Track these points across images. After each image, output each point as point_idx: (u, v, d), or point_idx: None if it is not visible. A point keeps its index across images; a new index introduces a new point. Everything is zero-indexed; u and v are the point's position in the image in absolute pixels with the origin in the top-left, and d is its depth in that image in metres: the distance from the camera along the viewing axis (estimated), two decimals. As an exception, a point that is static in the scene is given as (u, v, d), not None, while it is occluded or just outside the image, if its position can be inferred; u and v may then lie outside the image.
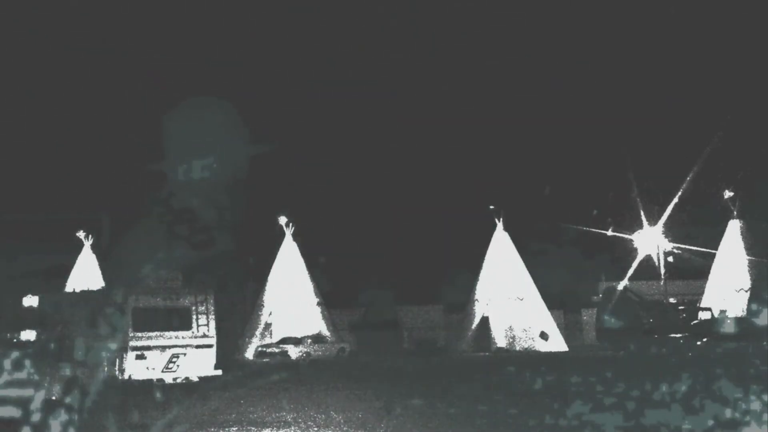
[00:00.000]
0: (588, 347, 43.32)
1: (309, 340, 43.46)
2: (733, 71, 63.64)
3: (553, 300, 46.40)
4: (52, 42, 65.55)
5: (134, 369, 24.24)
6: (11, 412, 15.72)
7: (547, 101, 70.94)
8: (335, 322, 47.17)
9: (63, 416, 15.41)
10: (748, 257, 43.77)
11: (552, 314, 45.64)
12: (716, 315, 37.33)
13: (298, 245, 48.11)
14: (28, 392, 16.79)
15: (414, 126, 74.07)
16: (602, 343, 38.16)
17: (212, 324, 25.58)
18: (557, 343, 44.22)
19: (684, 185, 41.33)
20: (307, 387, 23.09)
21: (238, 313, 48.32)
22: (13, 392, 16.82)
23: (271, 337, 45.42)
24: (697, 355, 30.81)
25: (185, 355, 24.93)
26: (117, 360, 24.02)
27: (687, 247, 44.07)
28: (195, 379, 25.02)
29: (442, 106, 75.99)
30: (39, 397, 16.69)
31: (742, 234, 44.65)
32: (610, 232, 44.01)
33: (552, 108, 70.53)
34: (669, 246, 43.49)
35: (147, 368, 24.42)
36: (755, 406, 14.75)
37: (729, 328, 33.84)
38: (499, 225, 46.33)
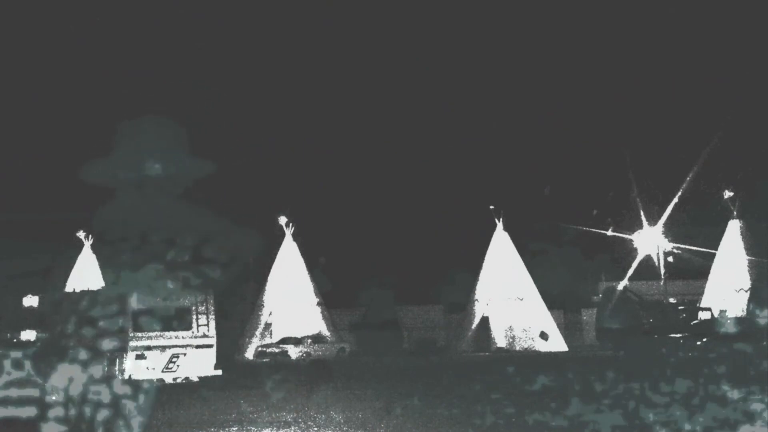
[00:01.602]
0: (588, 347, 43.32)
1: (309, 340, 43.47)
2: (733, 71, 63.66)
3: (553, 300, 46.40)
4: (52, 41, 65.55)
5: (134, 369, 24.26)
6: (11, 412, 15.72)
7: (547, 101, 70.97)
8: (335, 322, 47.16)
9: (64, 416, 15.42)
10: (748, 257, 43.75)
11: (552, 314, 45.64)
12: (716, 315, 37.30)
13: (298, 245, 48.10)
14: (28, 392, 16.81)
15: (414, 126, 74.10)
16: (602, 343, 38.13)
17: (212, 324, 25.58)
18: (557, 343, 44.23)
19: (684, 185, 41.34)
20: (307, 387, 23.08)
21: (238, 313, 48.33)
22: (14, 392, 16.83)
23: (271, 337, 45.41)
24: (697, 355, 30.80)
25: (185, 355, 24.94)
26: (117, 360, 24.05)
27: (687, 247, 44.05)
28: (195, 379, 25.03)
29: (443, 105, 76.02)
30: (39, 397, 16.71)
31: (742, 234, 44.62)
32: (610, 232, 44.01)
33: (552, 108, 70.55)
34: (669, 246, 43.45)
35: (147, 368, 24.44)
36: (755, 406, 14.76)
37: (729, 328, 33.79)
38: (499, 225, 46.33)
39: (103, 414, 15.00)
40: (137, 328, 24.55)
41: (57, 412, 15.00)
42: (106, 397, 16.35)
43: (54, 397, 16.95)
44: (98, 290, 26.82)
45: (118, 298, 24.51)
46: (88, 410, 15.21)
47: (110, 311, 24.16)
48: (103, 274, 48.72)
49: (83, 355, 22.65)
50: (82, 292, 27.96)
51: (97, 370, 23.49)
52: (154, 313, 24.99)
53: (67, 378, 19.07)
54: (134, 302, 24.67)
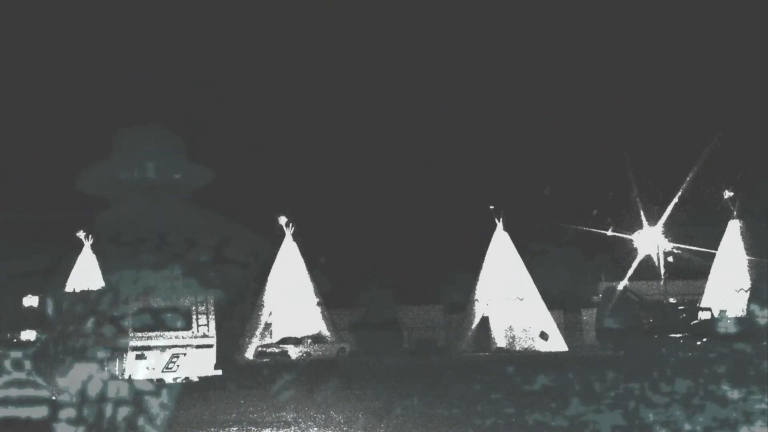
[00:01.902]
0: (588, 347, 43.33)
1: (309, 340, 43.46)
2: (733, 71, 63.66)
3: (553, 300, 46.39)
4: (52, 41, 65.55)
5: (134, 369, 24.26)
6: (11, 412, 15.73)
7: (547, 101, 70.97)
8: (335, 322, 47.16)
9: (63, 416, 15.42)
10: (748, 257, 43.75)
11: (552, 314, 45.63)
12: (716, 315, 37.29)
13: (298, 245, 48.11)
14: (28, 392, 16.82)
15: (414, 126, 74.09)
16: (602, 343, 38.15)
17: (212, 324, 25.58)
18: (557, 343, 44.22)
19: (684, 185, 41.35)
20: (307, 387, 23.09)
21: (238, 313, 48.30)
22: (14, 392, 16.84)
23: (271, 337, 45.41)
24: (697, 355, 30.82)
25: (185, 355, 24.94)
26: (117, 360, 24.06)
27: (687, 247, 44.05)
28: (195, 379, 25.03)
29: (443, 105, 76.02)
30: (42, 397, 16.71)
31: (742, 234, 44.62)
32: (610, 232, 44.02)
33: (552, 108, 70.55)
34: (669, 246, 43.46)
35: (147, 368, 24.45)
36: (755, 406, 14.77)
37: (729, 328, 33.82)
38: (499, 225, 46.32)
39: (123, 412, 15.05)
40: (137, 328, 24.57)
41: (70, 412, 15.02)
42: (125, 394, 16.43)
43: (55, 397, 16.95)
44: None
45: (140, 296, 24.66)
46: (108, 408, 15.26)
47: (131, 309, 24.40)
48: (120, 273, 48.57)
49: (102, 353, 22.79)
50: (82, 292, 27.99)
51: (119, 368, 23.60)
52: (154, 313, 25.01)
53: (84, 376, 19.11)
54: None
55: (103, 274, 46.73)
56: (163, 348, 24.74)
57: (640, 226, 43.20)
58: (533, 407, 15.97)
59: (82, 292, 28.13)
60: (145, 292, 24.98)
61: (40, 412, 15.45)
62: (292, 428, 14.65)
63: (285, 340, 43.59)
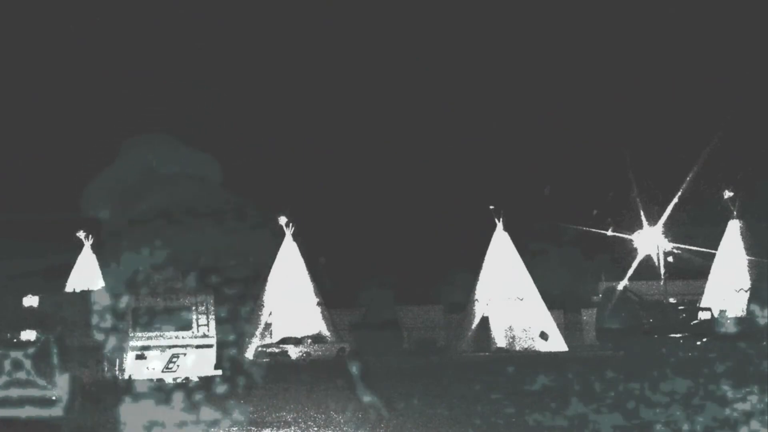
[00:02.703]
0: (588, 347, 43.33)
1: (309, 340, 43.45)
2: (733, 71, 63.65)
3: (553, 300, 46.38)
4: (52, 41, 65.55)
5: (134, 369, 24.26)
6: (12, 412, 15.74)
7: (547, 101, 70.97)
8: (335, 322, 47.15)
9: (63, 416, 15.43)
10: (748, 257, 43.73)
11: (552, 314, 45.60)
12: (716, 315, 37.27)
13: (298, 245, 48.09)
14: (28, 392, 16.82)
15: (414, 126, 74.08)
16: (602, 343, 38.15)
17: (212, 324, 25.57)
18: (557, 343, 44.21)
19: (684, 185, 41.34)
20: (307, 387, 23.10)
21: (238, 312, 48.25)
22: (14, 392, 16.84)
23: (271, 337, 45.40)
24: (697, 355, 30.81)
25: (185, 355, 24.93)
26: (117, 360, 24.06)
27: (687, 247, 44.05)
28: (195, 379, 25.01)
29: (442, 105, 76.03)
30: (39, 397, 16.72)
31: (742, 234, 44.61)
32: (610, 232, 44.01)
33: (552, 108, 70.55)
34: (669, 246, 43.45)
35: (147, 368, 24.45)
36: (755, 406, 14.78)
37: (729, 328, 33.81)
38: (499, 225, 46.30)
39: None
40: (137, 328, 24.56)
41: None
42: None
43: (54, 398, 16.94)
44: (98, 290, 26.80)
45: (232, 250, 25.14)
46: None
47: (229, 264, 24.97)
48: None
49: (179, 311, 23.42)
50: (82, 292, 28.01)
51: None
52: (154, 313, 25.01)
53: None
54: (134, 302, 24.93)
55: (183, 240, 46.25)
56: (163, 348, 24.73)
57: (640, 226, 43.19)
58: (533, 407, 15.97)
59: (82, 292, 28.19)
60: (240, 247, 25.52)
61: (40, 412, 15.46)
62: (292, 428, 14.66)
63: (285, 340, 43.59)
